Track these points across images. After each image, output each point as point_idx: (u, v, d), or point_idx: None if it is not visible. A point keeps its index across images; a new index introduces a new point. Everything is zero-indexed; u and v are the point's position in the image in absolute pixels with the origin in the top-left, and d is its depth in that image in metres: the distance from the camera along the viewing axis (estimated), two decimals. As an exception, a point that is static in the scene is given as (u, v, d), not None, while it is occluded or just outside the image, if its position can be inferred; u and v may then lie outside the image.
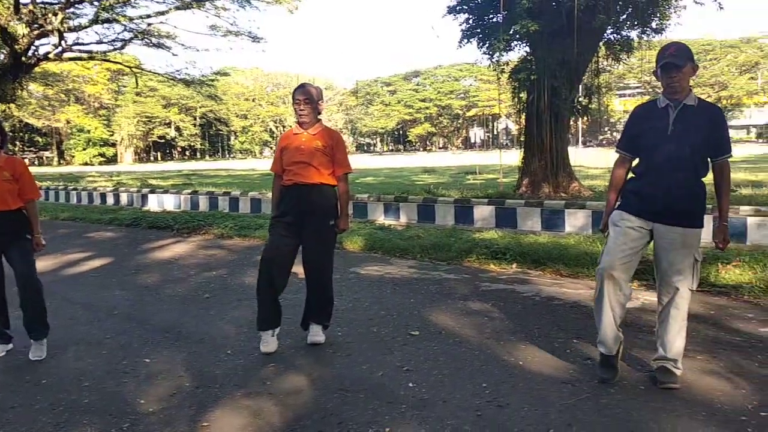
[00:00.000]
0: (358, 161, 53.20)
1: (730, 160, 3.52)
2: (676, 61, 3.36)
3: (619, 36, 12.95)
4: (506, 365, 3.86)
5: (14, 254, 4.30)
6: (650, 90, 65.37)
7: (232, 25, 27.38)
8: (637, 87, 72.51)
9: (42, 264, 7.71)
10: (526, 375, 3.69)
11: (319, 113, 4.42)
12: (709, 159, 3.48)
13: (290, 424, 3.14)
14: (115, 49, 29.22)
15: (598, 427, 2.99)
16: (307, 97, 4.29)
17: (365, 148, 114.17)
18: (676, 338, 3.45)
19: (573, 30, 11.09)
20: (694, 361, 3.79)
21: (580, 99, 13.49)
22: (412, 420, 3.13)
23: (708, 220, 7.08)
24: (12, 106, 31.23)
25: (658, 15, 11.97)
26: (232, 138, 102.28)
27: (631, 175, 3.69)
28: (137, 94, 75.31)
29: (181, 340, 4.60)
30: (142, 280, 6.90)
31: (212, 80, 32.34)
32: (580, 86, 13.41)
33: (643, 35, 12.60)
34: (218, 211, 13.46)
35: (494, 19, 12.96)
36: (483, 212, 9.94)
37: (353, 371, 3.86)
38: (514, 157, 15.29)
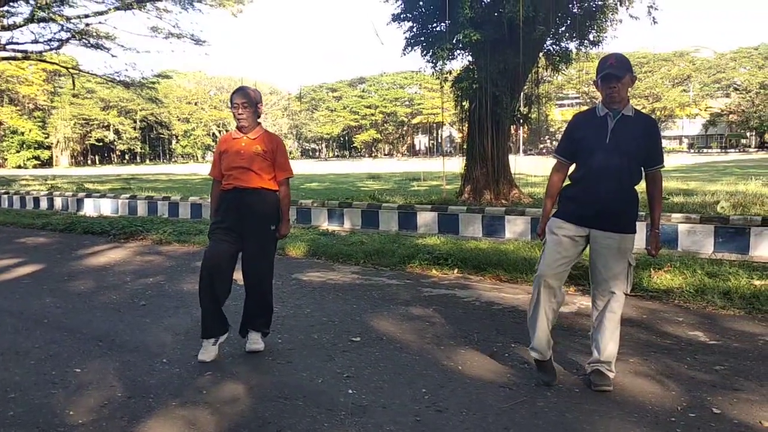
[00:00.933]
0: (303, 167, 52.96)
1: (662, 169, 3.65)
2: (616, 72, 3.47)
3: (558, 47, 13.28)
4: (446, 370, 3.89)
5: None
6: (588, 100, 67.43)
7: (174, 27, 26.93)
8: (576, 97, 74.70)
9: (-33, 271, 7.38)
10: (465, 379, 3.72)
11: (259, 116, 4.36)
12: (642, 168, 3.59)
13: (226, 433, 3.08)
14: (51, 49, 28.30)
15: (534, 430, 3.03)
16: (245, 101, 4.21)
17: (310, 153, 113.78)
18: (609, 341, 3.54)
19: (514, 40, 11.32)
20: (627, 364, 3.90)
21: (520, 108, 13.76)
22: (351, 427, 3.11)
23: (641, 227, 7.33)
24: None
25: (595, 28, 12.34)
26: (174, 142, 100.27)
27: (567, 181, 3.78)
28: (74, 95, 73.04)
29: (114, 349, 4.45)
30: (74, 287, 6.66)
31: (153, 83, 31.68)
32: (521, 95, 13.69)
33: (581, 47, 12.96)
34: (157, 217, 13.15)
35: (438, 28, 13.10)
36: (426, 218, 10.01)
37: (293, 378, 3.81)
38: (457, 164, 15.48)
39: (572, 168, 3.75)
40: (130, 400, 3.50)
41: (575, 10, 12.34)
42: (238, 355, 4.29)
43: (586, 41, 12.76)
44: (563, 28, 12.85)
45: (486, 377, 3.75)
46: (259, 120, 4.37)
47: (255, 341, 4.34)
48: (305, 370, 3.94)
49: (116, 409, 3.39)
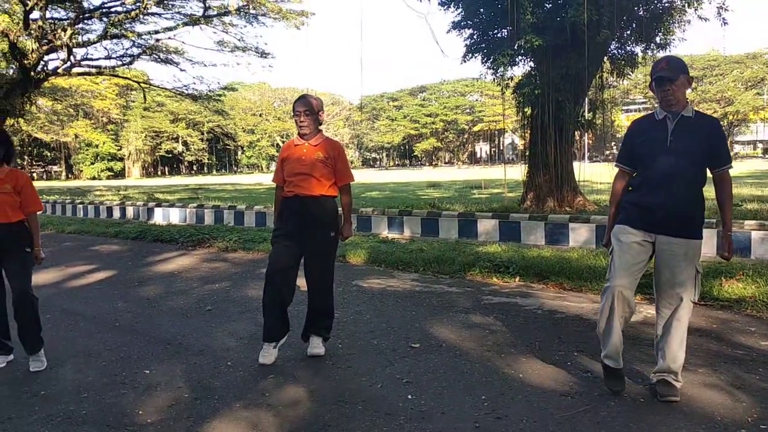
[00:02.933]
0: (363, 176, 53.37)
1: (734, 174, 3.52)
2: (668, 74, 3.41)
3: (623, 51, 12.98)
4: (506, 378, 3.84)
5: (12, 267, 4.29)
6: (657, 106, 65.38)
7: (239, 40, 27.60)
8: (644, 102, 72.54)
9: (46, 276, 7.77)
10: (525, 387, 3.67)
11: (320, 124, 4.43)
12: (707, 170, 3.48)
13: (288, 435, 3.13)
14: (123, 65, 29.48)
15: (597, 440, 2.97)
16: (307, 108, 4.31)
17: (371, 162, 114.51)
18: (677, 351, 3.43)
19: (577, 45, 11.14)
20: (696, 375, 3.77)
21: (584, 114, 13.50)
22: (410, 432, 3.12)
23: (711, 235, 7.08)
24: (21, 120, 31.53)
25: (661, 30, 11.99)
26: (239, 152, 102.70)
27: (630, 188, 3.70)
28: (145, 109, 75.76)
29: (181, 351, 4.60)
30: (144, 292, 6.91)
31: (219, 95, 32.54)
32: (585, 101, 13.43)
33: (647, 50, 12.62)
34: (223, 225, 13.50)
35: (499, 34, 13.03)
36: (486, 226, 9.93)
37: (352, 383, 3.85)
38: (519, 172, 15.29)
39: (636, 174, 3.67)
40: (196, 401, 3.61)
41: (641, 13, 12.02)
42: (300, 358, 4.37)
43: (652, 44, 12.40)
44: (628, 32, 12.55)
45: (547, 386, 3.69)
46: (320, 127, 4.45)
47: (316, 345, 4.40)
48: (365, 375, 3.97)
49: (183, 409, 3.50)
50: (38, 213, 4.55)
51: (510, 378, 3.84)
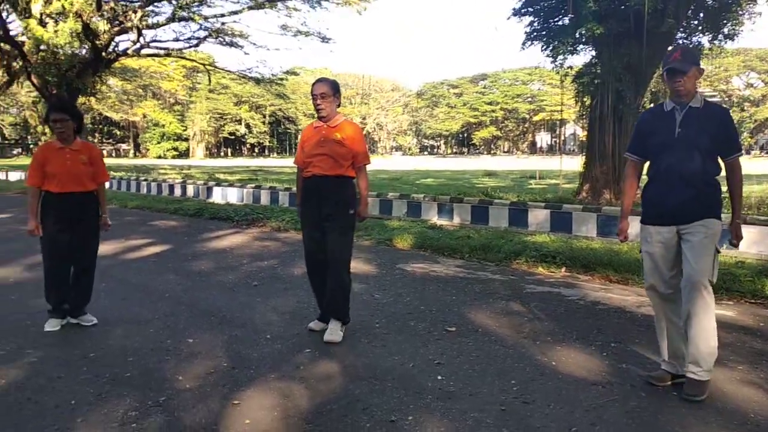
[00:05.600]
0: (420, 163, 53.32)
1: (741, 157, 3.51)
2: (681, 66, 3.38)
3: (689, 41, 12.56)
4: (538, 364, 3.84)
5: (83, 232, 4.63)
6: (726, 99, 62.84)
7: (302, 25, 27.89)
8: (713, 96, 69.79)
9: (106, 248, 8.10)
10: (557, 375, 3.66)
11: (338, 106, 4.55)
12: (719, 159, 3.45)
13: (317, 407, 3.23)
14: (190, 47, 30.21)
15: (623, 429, 2.95)
16: (323, 92, 4.42)
17: (429, 150, 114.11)
18: (702, 342, 3.28)
19: (640, 34, 10.84)
20: (734, 372, 3.69)
21: (645, 105, 13.14)
22: (436, 411, 3.16)
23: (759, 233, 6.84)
24: (92, 99, 32.74)
25: (730, 21, 11.54)
26: (299, 136, 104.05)
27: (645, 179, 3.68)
28: (210, 91, 77.50)
29: (224, 323, 4.77)
30: (196, 266, 7.16)
31: (282, 79, 32.99)
32: (647, 91, 13.06)
33: (714, 41, 12.18)
34: (278, 206, 13.78)
35: (559, 22, 12.80)
36: (538, 216, 9.82)
37: (385, 361, 3.92)
38: (578, 163, 15.03)
39: (647, 166, 3.66)
40: (234, 371, 3.75)
41: (709, 2, 11.61)
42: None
43: (720, 35, 11.97)
44: (695, 22, 12.13)
45: (579, 374, 3.67)
46: (338, 109, 4.55)
47: (333, 331, 4.38)
48: (398, 354, 4.04)
49: (220, 377, 3.64)
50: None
51: (542, 365, 3.84)
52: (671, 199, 3.41)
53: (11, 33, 27.18)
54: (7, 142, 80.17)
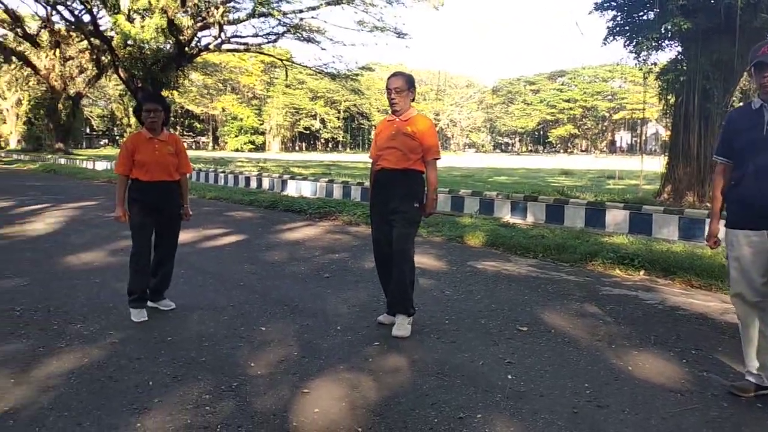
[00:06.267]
0: (494, 160, 52.71)
1: None
2: None
3: (784, 36, 11.85)
4: (613, 368, 3.72)
5: (167, 220, 4.82)
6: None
7: (378, 20, 28.08)
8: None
9: (185, 236, 8.35)
10: (633, 380, 3.53)
11: (412, 100, 4.54)
12: None
13: (385, 399, 3.23)
14: (268, 42, 30.94)
15: (703, 441, 2.82)
16: (397, 86, 4.43)
17: (503, 147, 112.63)
18: None
19: (731, 29, 10.31)
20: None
21: (734, 104, 12.49)
22: (505, 410, 3.11)
23: None
24: (175, 92, 34.03)
25: (833, 14, 10.81)
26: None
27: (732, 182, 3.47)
28: (287, 86, 79.08)
29: (296, 313, 4.85)
30: (270, 257, 7.31)
31: (357, 75, 33.34)
32: (736, 90, 12.42)
33: (813, 37, 11.44)
34: (350, 200, 13.91)
35: (644, 17, 12.33)
36: (616, 217, 9.52)
37: (454, 358, 3.88)
38: (659, 163, 14.47)
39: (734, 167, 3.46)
40: (304, 360, 3.80)
41: (808, -5, 10.90)
42: (406, 330, 4.45)
43: (820, 31, 11.22)
44: (794, 15, 11.42)
45: (657, 381, 3.53)
46: (411, 104, 4.53)
47: (400, 326, 4.36)
48: (467, 352, 3.99)
49: (291, 366, 3.70)
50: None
51: (618, 369, 3.71)
52: (761, 201, 3.22)
53: (101, 28, 28.53)
54: (94, 132, 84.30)
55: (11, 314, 4.67)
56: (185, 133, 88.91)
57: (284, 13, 27.21)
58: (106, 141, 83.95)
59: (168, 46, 25.52)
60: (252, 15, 26.43)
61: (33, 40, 38.80)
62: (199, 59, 32.52)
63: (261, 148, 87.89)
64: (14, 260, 6.79)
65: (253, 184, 18.25)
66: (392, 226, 4.45)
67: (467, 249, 8.11)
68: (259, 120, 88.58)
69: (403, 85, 4.44)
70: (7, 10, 36.30)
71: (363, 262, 7.03)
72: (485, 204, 11.37)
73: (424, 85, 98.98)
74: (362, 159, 51.87)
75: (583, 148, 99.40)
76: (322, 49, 32.64)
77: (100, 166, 27.23)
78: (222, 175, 20.11)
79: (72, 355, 3.80)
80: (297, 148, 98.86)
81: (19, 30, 38.19)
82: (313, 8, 27.29)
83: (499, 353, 3.98)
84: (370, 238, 4.73)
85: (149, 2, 22.99)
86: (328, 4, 26.93)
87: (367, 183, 14.49)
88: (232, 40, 29.34)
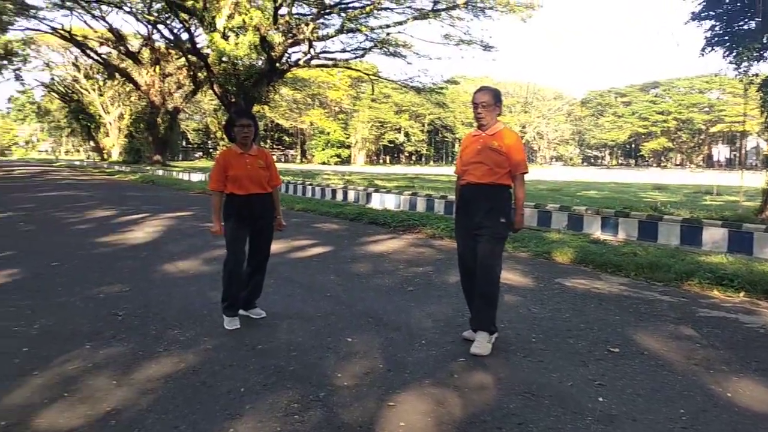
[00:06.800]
0: (583, 174, 51.36)
1: None
2: None
3: None
4: (711, 395, 3.54)
5: (261, 231, 4.99)
6: None
7: (465, 34, 28.08)
8: None
9: (274, 247, 8.53)
10: (732, 407, 3.35)
11: (499, 115, 4.50)
12: None
13: (471, 417, 3.21)
14: (356, 57, 31.49)
15: (814, 478, 2.63)
16: (484, 101, 4.42)
17: (592, 160, 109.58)
18: None
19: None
20: None
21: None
22: (596, 433, 3.02)
23: None
24: (266, 107, 35.25)
25: None
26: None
27: None
28: (373, 100, 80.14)
29: (381, 325, 4.90)
30: (355, 268, 7.41)
31: (442, 88, 33.37)
32: None
33: None
34: (433, 213, 13.89)
35: (744, 26, 11.77)
36: (714, 235, 9.06)
37: (542, 377, 3.80)
38: (761, 178, 13.69)
39: None
40: (389, 373, 3.83)
41: None
42: (492, 347, 4.39)
43: None
44: None
45: (758, 409, 3.34)
46: (498, 118, 4.51)
47: (479, 344, 4.28)
48: (555, 372, 3.90)
49: (376, 378, 3.74)
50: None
51: (716, 395, 3.53)
52: None
53: (197, 46, 29.90)
54: (190, 145, 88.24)
55: (114, 319, 4.95)
56: (274, 146, 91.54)
57: (371, 29, 27.67)
58: (201, 153, 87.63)
59: (260, 62, 26.45)
60: (340, 31, 27.01)
61: (135, 58, 41.18)
62: (288, 75, 33.49)
63: (347, 161, 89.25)
64: (116, 267, 7.19)
65: (339, 196, 18.56)
66: (477, 241, 4.42)
67: (555, 265, 7.93)
68: (345, 134, 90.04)
69: (490, 99, 4.44)
70: (111, 29, 38.78)
71: (447, 276, 7.01)
72: (574, 219, 11.09)
73: (511, 97, 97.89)
74: (445, 172, 51.75)
75: (678, 162, 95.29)
76: (408, 63, 33.23)
77: (195, 177, 28.39)
78: (309, 187, 20.56)
79: (169, 360, 3.99)
80: (381, 161, 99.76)
81: (122, 48, 40.73)
82: (400, 23, 27.59)
83: (589, 374, 3.87)
84: (454, 252, 4.73)
85: (243, 20, 23.92)
86: (415, 18, 27.14)
87: (450, 196, 14.44)
88: (321, 55, 30.06)
